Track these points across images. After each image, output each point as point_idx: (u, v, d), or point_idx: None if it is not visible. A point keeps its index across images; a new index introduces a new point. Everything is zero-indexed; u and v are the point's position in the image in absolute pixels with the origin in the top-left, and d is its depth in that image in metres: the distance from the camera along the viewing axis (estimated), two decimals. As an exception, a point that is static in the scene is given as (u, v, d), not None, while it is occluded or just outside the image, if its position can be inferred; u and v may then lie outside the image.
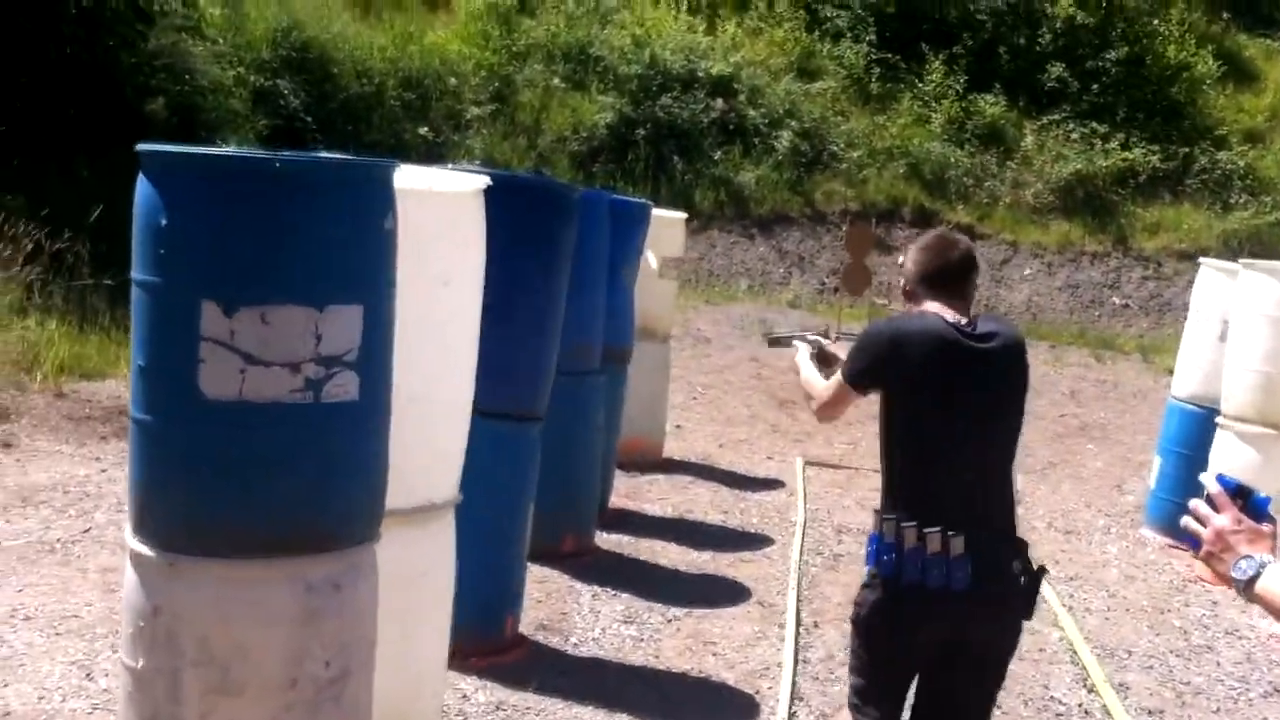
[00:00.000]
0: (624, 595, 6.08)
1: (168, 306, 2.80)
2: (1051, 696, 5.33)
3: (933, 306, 3.37)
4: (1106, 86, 21.26)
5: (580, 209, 5.40)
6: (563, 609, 5.83)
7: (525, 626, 5.49)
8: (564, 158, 18.63)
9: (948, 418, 3.26)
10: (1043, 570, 3.37)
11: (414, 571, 3.73)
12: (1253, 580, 2.07)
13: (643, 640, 5.54)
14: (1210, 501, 2.17)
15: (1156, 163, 20.06)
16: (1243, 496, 2.18)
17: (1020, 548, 3.33)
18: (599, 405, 6.79)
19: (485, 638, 5.00)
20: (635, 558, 6.83)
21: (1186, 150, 20.54)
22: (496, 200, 4.64)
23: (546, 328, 5.05)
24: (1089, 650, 5.87)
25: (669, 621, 5.80)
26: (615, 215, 7.03)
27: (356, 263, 2.88)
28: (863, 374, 3.46)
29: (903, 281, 3.52)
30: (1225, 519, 2.14)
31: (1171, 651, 6.02)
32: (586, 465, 6.68)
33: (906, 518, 3.25)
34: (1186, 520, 2.19)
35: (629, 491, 8.14)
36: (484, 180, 3.83)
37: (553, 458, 5.96)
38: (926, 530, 3.21)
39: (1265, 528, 2.13)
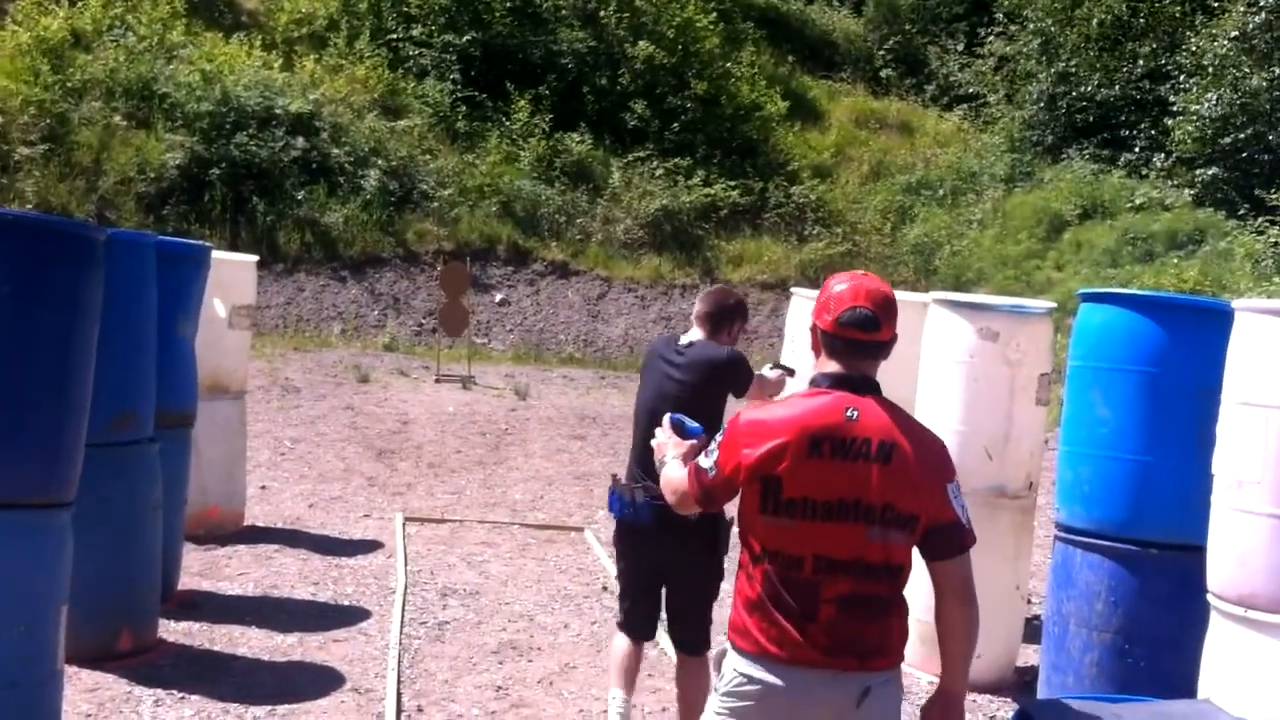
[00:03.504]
0: (194, 697, 5.23)
1: None
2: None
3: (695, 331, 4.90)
4: (686, 125, 21.91)
5: (110, 253, 4.55)
6: (116, 723, 4.94)
7: (67, 752, 4.58)
8: (130, 200, 17.16)
9: (654, 405, 4.60)
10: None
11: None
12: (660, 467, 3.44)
13: (214, 753, 4.75)
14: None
15: (736, 198, 20.82)
16: (680, 427, 3.55)
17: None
18: (154, 477, 5.87)
19: (5, 780, 4.07)
20: (209, 649, 5.96)
21: (762, 185, 21.44)
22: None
23: (68, 395, 4.17)
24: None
25: (247, 725, 5.03)
26: (166, 260, 6.16)
27: None
28: None
29: None
30: (663, 437, 3.51)
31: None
32: (142, 548, 5.75)
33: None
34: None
35: (203, 569, 7.22)
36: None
37: (97, 544, 5.14)
38: None
39: (688, 443, 3.44)
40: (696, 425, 3.58)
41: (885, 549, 2.93)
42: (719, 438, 3.09)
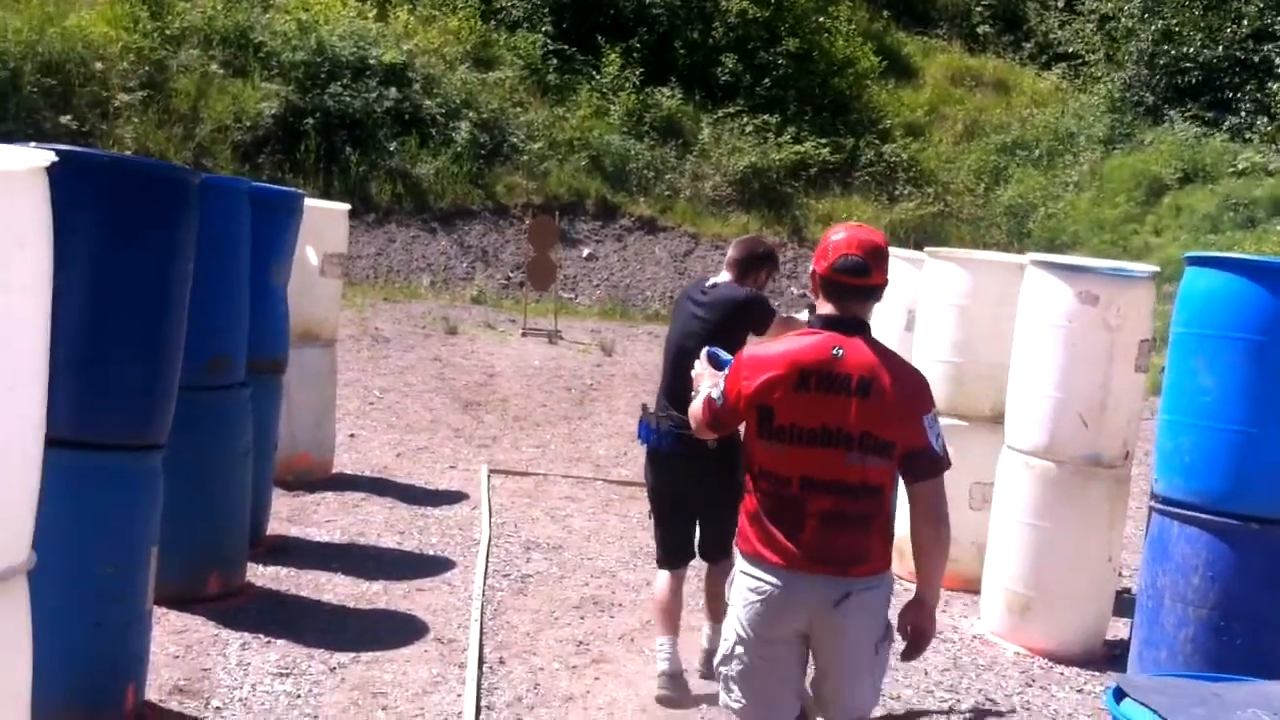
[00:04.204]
0: (279, 642, 5.29)
1: None
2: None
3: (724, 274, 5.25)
4: (777, 80, 21.61)
5: (206, 198, 4.57)
6: (204, 665, 5.00)
7: (156, 691, 4.65)
8: (226, 148, 17.34)
9: (684, 341, 4.91)
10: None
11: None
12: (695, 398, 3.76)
13: (300, 697, 4.79)
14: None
15: (827, 155, 20.53)
16: (715, 359, 3.80)
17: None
18: (245, 423, 5.94)
19: (98, 716, 4.14)
20: (295, 594, 6.04)
21: (854, 143, 21.11)
22: (83, 186, 3.84)
23: (162, 338, 4.22)
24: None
25: (332, 671, 5.06)
26: (259, 206, 6.19)
27: None
28: None
29: None
30: (699, 368, 3.80)
31: (875, 660, 5.71)
32: (233, 492, 5.84)
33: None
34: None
35: (292, 514, 7.31)
36: (45, 157, 2.97)
37: (189, 487, 5.22)
38: None
39: (720, 373, 3.63)
40: (729, 357, 3.78)
41: (863, 472, 3.34)
42: (727, 371, 3.55)
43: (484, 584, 6.28)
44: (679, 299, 5.35)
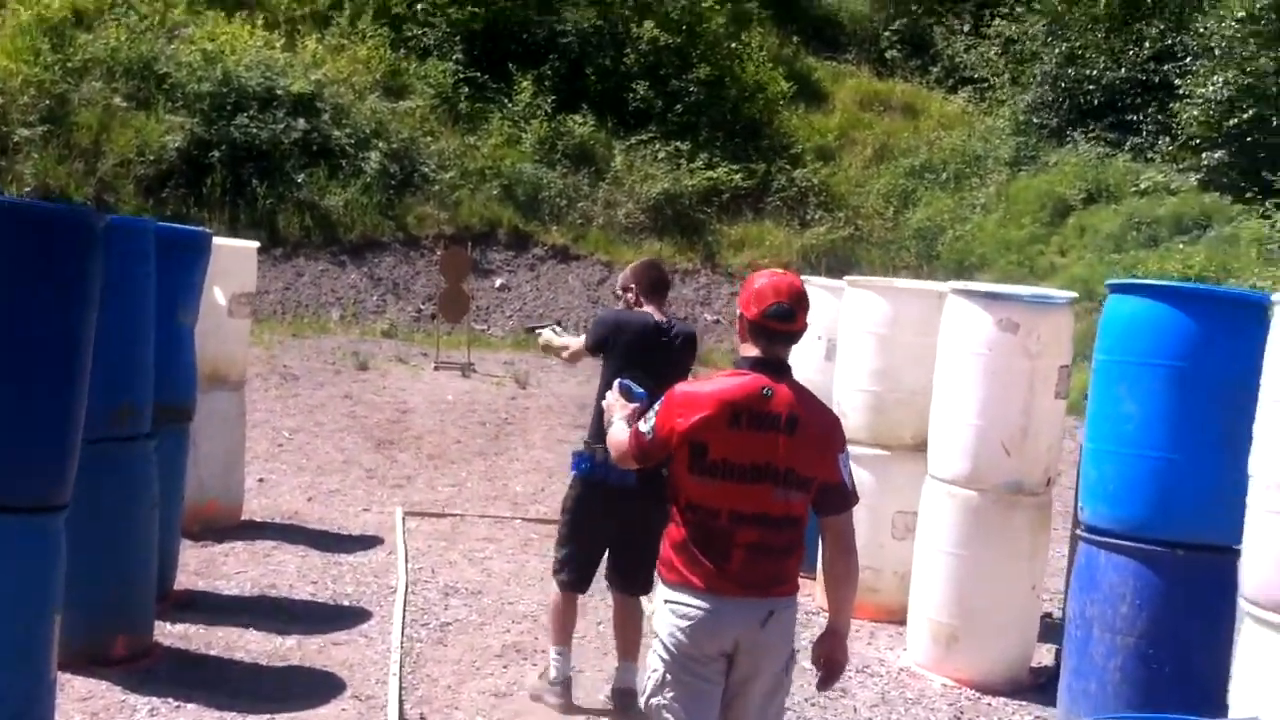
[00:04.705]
0: (190, 706, 5.06)
1: None
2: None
3: (647, 307, 5.33)
4: (689, 106, 21.64)
5: (110, 240, 4.36)
6: (110, 733, 4.78)
7: (59, 764, 4.42)
8: (130, 183, 16.97)
9: (640, 378, 4.37)
10: None
11: None
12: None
13: (212, 764, 4.59)
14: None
15: (739, 181, 20.57)
16: (628, 391, 4.00)
17: None
18: (151, 475, 5.69)
19: (-4, 795, 3.91)
20: (206, 653, 5.79)
21: (765, 168, 21.19)
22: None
23: (65, 392, 4.00)
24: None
25: (245, 733, 4.87)
26: (166, 247, 5.97)
27: None
28: (597, 343, 5.30)
29: (629, 290, 5.40)
30: (612, 399, 4.02)
31: (806, 699, 5.61)
32: (139, 549, 5.57)
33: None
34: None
35: (200, 567, 7.05)
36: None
37: (93, 546, 4.98)
38: None
39: (633, 405, 3.89)
40: (642, 390, 4.02)
41: (786, 505, 3.56)
42: (657, 406, 3.67)
43: (402, 635, 6.08)
44: (632, 336, 5.21)
